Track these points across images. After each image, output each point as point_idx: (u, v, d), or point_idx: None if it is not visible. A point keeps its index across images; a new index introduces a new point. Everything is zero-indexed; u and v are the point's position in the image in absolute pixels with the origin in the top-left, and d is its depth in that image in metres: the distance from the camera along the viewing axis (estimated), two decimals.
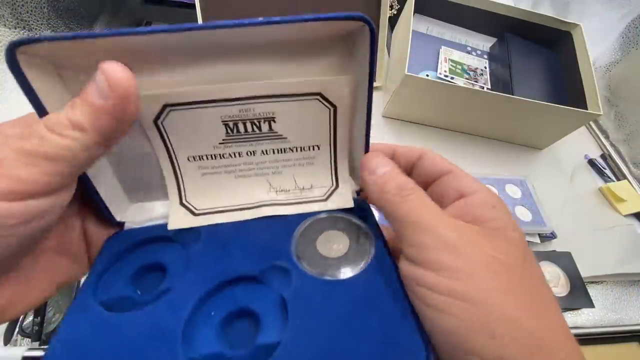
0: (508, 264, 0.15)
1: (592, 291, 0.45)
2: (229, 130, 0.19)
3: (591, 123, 0.67)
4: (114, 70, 0.13)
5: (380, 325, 0.15)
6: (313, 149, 0.20)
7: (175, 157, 0.19)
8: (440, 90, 0.51)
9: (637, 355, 0.44)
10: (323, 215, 0.20)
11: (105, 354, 0.15)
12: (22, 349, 0.33)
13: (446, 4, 0.62)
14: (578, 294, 0.44)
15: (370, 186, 0.18)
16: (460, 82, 0.60)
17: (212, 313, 0.16)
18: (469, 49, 0.66)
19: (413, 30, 0.54)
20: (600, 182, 0.59)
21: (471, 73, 0.62)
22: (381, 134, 0.57)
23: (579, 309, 0.44)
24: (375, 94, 0.63)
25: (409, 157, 0.21)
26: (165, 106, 0.17)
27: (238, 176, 0.20)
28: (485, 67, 0.64)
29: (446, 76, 0.61)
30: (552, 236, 0.48)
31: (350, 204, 0.21)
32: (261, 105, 0.18)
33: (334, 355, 0.14)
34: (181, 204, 0.20)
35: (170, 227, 0.19)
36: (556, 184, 0.57)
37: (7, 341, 0.34)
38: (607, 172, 0.60)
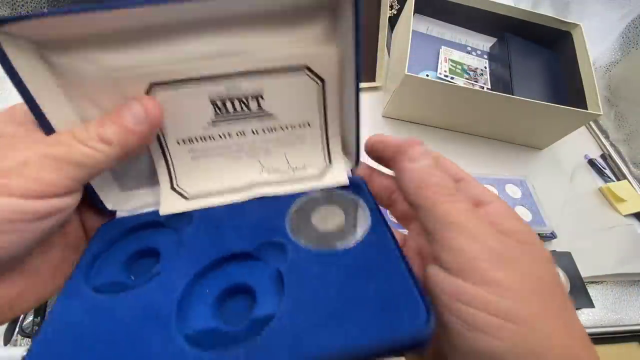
0: (549, 283, 0.14)
1: (592, 291, 0.45)
2: (218, 110, 0.18)
3: (591, 123, 0.67)
4: (153, 104, 0.16)
5: (379, 292, 0.15)
6: (303, 127, 0.20)
7: (165, 141, 0.19)
8: (440, 90, 0.51)
9: (637, 355, 0.44)
10: (318, 192, 0.20)
11: (98, 336, 0.14)
12: (22, 349, 0.33)
13: (446, 4, 0.62)
14: (578, 294, 0.44)
15: (407, 175, 0.17)
16: (460, 82, 0.60)
17: (207, 290, 0.16)
18: (469, 49, 0.66)
19: (413, 30, 0.54)
20: (600, 182, 0.59)
21: (471, 73, 0.62)
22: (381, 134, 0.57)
23: (579, 309, 0.44)
24: (375, 94, 0.64)
25: None
26: (152, 85, 0.17)
27: (229, 158, 0.20)
28: (485, 67, 0.64)
29: (446, 76, 0.61)
30: (552, 236, 0.48)
31: (345, 181, 0.20)
32: (248, 82, 0.18)
33: (331, 324, 0.14)
34: (172, 189, 0.20)
35: (162, 212, 0.19)
36: (556, 184, 0.57)
37: (7, 341, 0.34)
38: (607, 172, 0.60)
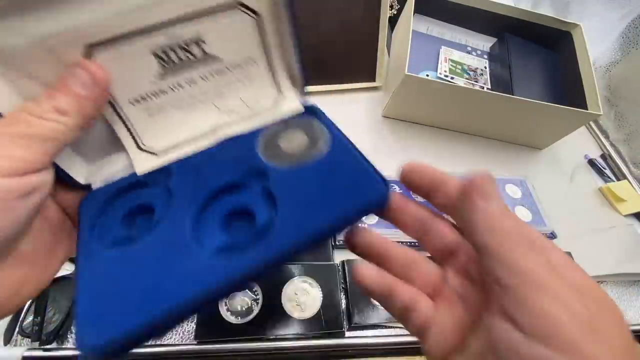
0: (630, 348, 0.13)
1: None
2: (163, 62, 0.18)
3: (591, 123, 0.67)
4: (96, 67, 0.16)
5: (347, 181, 0.19)
6: (249, 64, 0.21)
7: (117, 104, 0.19)
8: (440, 90, 0.51)
9: None
10: (279, 121, 0.22)
11: (130, 277, 0.16)
12: (22, 349, 0.33)
13: (446, 4, 0.62)
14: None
15: (480, 215, 0.16)
16: (460, 82, 0.61)
17: (210, 221, 0.18)
18: (469, 49, 0.66)
19: (413, 30, 0.54)
20: (600, 182, 0.59)
21: (471, 73, 0.62)
22: (381, 134, 0.57)
23: None
24: (375, 94, 0.64)
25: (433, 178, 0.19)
26: (89, 47, 0.16)
27: (185, 108, 0.20)
28: (485, 67, 0.64)
29: (446, 76, 0.61)
30: (552, 236, 0.48)
31: (299, 108, 0.22)
32: (186, 28, 0.18)
33: (320, 209, 0.17)
34: (139, 149, 0.20)
35: (139, 172, 0.20)
36: (556, 184, 0.57)
37: (7, 341, 0.34)
38: (607, 172, 0.60)
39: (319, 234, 0.17)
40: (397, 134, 0.58)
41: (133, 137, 0.20)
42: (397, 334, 0.39)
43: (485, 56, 0.66)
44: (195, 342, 0.35)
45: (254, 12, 0.19)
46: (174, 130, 0.21)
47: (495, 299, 0.15)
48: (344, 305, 0.39)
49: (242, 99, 0.22)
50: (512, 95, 0.54)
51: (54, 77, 0.16)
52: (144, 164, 0.20)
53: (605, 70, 0.66)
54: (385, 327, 0.39)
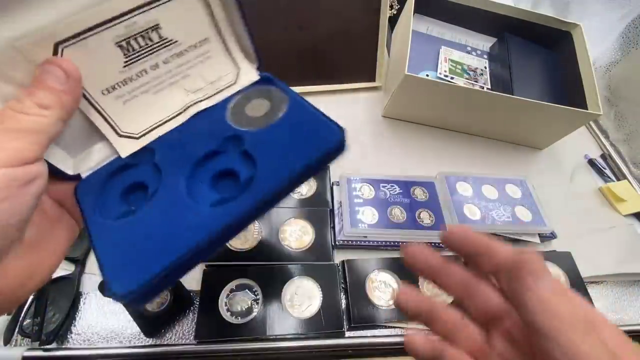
0: None
1: (592, 291, 0.45)
2: (126, 51, 0.20)
3: (591, 123, 0.67)
4: (67, 63, 0.17)
5: (309, 132, 0.22)
6: (204, 43, 0.23)
7: (90, 96, 0.20)
8: (440, 90, 0.51)
9: None
10: (241, 91, 0.24)
11: (146, 237, 0.18)
12: (22, 349, 0.33)
13: (446, 4, 0.62)
14: (578, 294, 0.44)
15: (533, 296, 0.16)
16: (460, 82, 0.61)
17: (200, 183, 0.21)
18: (469, 49, 0.66)
19: (413, 30, 0.54)
20: (600, 182, 0.59)
21: (471, 73, 0.62)
22: (381, 134, 0.57)
23: None
24: (375, 94, 0.64)
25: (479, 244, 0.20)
26: (56, 45, 0.17)
27: (154, 92, 0.22)
28: (485, 67, 0.64)
29: (446, 76, 0.61)
30: (552, 236, 0.48)
31: (256, 77, 0.25)
32: (142, 16, 0.19)
33: (292, 157, 0.20)
34: (119, 136, 0.21)
35: (123, 155, 0.22)
36: (556, 184, 0.57)
37: (7, 341, 0.34)
38: (607, 172, 0.60)
39: (293, 178, 0.20)
40: (397, 133, 0.58)
41: (111, 125, 0.21)
42: (397, 334, 0.39)
43: (485, 56, 0.66)
44: (195, 342, 0.35)
45: None
46: (147, 114, 0.22)
47: None
48: (344, 305, 0.39)
49: (204, 76, 0.23)
50: (512, 95, 0.54)
51: (26, 76, 0.17)
52: (126, 148, 0.22)
53: (605, 70, 0.66)
54: (385, 327, 0.39)
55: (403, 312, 0.22)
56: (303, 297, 0.38)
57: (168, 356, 0.35)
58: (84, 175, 0.21)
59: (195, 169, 0.21)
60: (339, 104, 0.59)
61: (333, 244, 0.42)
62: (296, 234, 0.42)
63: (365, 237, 0.43)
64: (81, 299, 0.37)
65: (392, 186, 0.47)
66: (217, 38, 0.23)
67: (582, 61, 0.58)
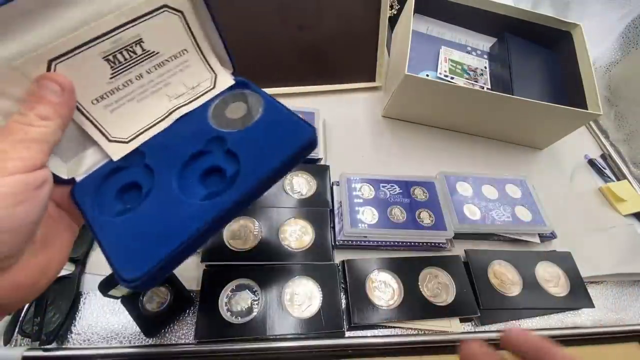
0: None
1: (592, 291, 0.45)
2: (112, 64, 0.22)
3: (591, 123, 0.67)
4: (62, 78, 0.19)
5: (284, 131, 0.24)
6: (183, 53, 0.25)
7: (81, 106, 0.22)
8: (440, 90, 0.51)
9: (637, 355, 0.44)
10: (219, 96, 0.26)
11: (147, 230, 0.20)
12: (22, 349, 0.33)
13: (446, 4, 0.62)
14: (578, 294, 0.44)
15: None
16: (460, 82, 0.61)
17: (190, 181, 0.23)
18: (469, 49, 0.66)
19: (413, 30, 0.54)
20: (600, 182, 0.59)
21: (471, 73, 0.62)
22: (381, 134, 0.57)
23: (579, 309, 0.44)
24: (375, 94, 0.64)
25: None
26: (50, 62, 0.19)
27: (139, 100, 0.24)
28: (485, 67, 0.64)
29: (446, 76, 0.61)
30: (552, 236, 0.48)
31: (232, 81, 0.27)
32: (126, 32, 0.21)
33: (270, 153, 0.23)
34: (110, 141, 0.23)
35: (115, 159, 0.23)
36: (556, 184, 0.57)
37: (7, 341, 0.34)
38: (607, 172, 0.60)
39: (274, 172, 0.23)
40: (397, 133, 0.58)
41: (101, 132, 0.23)
42: (397, 334, 0.39)
43: (485, 56, 0.66)
44: (195, 342, 0.35)
45: (177, 10, 0.23)
46: (135, 120, 0.24)
47: None
48: (343, 305, 0.39)
49: (184, 83, 0.25)
50: (512, 95, 0.54)
51: (22, 92, 0.19)
52: (117, 152, 0.23)
53: (605, 70, 0.66)
54: (385, 327, 0.39)
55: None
56: (303, 297, 0.38)
57: (168, 356, 0.35)
58: (78, 179, 0.23)
59: (185, 168, 0.23)
60: (339, 104, 0.59)
61: (333, 244, 0.42)
62: (296, 234, 0.42)
63: (365, 237, 0.43)
64: (81, 299, 0.37)
65: (392, 186, 0.47)
66: (194, 48, 0.25)
67: (582, 61, 0.58)
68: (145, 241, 0.20)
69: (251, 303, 0.37)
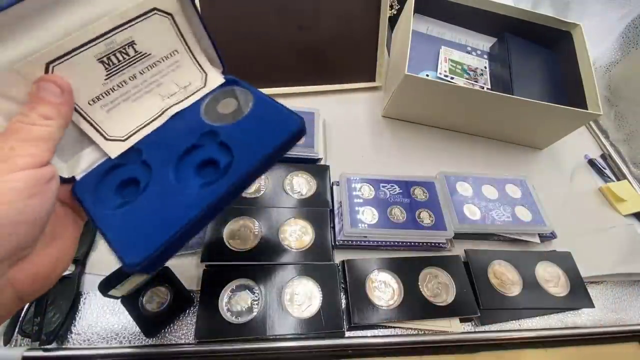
0: None
1: (592, 291, 0.45)
2: (106, 65, 0.23)
3: (591, 123, 0.67)
4: (60, 79, 0.20)
5: (273, 122, 0.25)
6: (174, 54, 0.26)
7: (78, 106, 0.22)
8: (440, 90, 0.51)
9: (637, 355, 0.44)
10: (211, 93, 0.27)
11: (148, 218, 0.22)
12: (22, 349, 0.33)
13: (446, 4, 0.62)
14: (578, 294, 0.44)
15: None
16: (460, 82, 0.61)
17: (186, 172, 0.24)
18: (469, 49, 0.66)
19: (413, 30, 0.54)
20: (600, 182, 0.59)
21: (471, 73, 0.62)
22: (381, 134, 0.57)
23: (579, 309, 0.44)
24: (375, 94, 0.64)
25: None
26: (48, 64, 0.20)
27: (134, 100, 0.25)
28: (485, 67, 0.64)
29: (446, 76, 0.61)
30: (552, 236, 0.48)
31: (222, 80, 0.28)
32: (119, 35, 0.22)
33: (263, 141, 0.24)
34: (107, 139, 0.24)
35: (113, 156, 0.24)
36: (556, 184, 0.57)
37: (7, 341, 0.34)
38: (607, 172, 0.60)
39: (265, 160, 0.24)
40: (397, 133, 0.58)
41: (98, 131, 0.24)
42: (397, 334, 0.39)
43: (485, 56, 0.66)
44: (195, 342, 0.35)
45: (167, 13, 0.24)
46: (130, 119, 0.25)
47: None
48: (343, 305, 0.39)
49: (176, 83, 0.26)
50: (512, 95, 0.54)
51: (23, 94, 0.20)
52: (115, 150, 0.24)
53: (605, 70, 0.66)
54: (385, 327, 0.39)
55: None
56: (303, 297, 0.38)
57: (168, 356, 0.35)
58: (78, 177, 0.23)
59: (180, 161, 0.24)
60: (339, 104, 0.59)
61: (333, 244, 0.42)
62: (296, 234, 0.42)
63: (365, 237, 0.43)
64: (81, 299, 0.37)
65: (392, 186, 0.47)
66: (185, 49, 0.26)
67: (582, 61, 0.58)
68: (146, 228, 0.21)
69: (251, 303, 0.37)
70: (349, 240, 0.43)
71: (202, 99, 0.27)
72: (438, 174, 0.50)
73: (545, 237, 0.48)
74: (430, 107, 0.55)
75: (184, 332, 0.36)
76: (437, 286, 0.41)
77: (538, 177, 0.56)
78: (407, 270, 0.41)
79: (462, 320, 0.41)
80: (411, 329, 0.39)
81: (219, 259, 0.39)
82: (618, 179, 0.59)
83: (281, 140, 0.24)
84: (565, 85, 0.60)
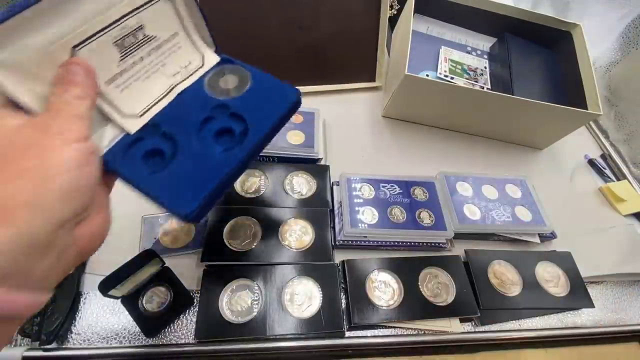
0: None
1: (592, 291, 0.45)
2: (121, 48, 0.25)
3: (591, 123, 0.67)
4: (83, 62, 0.22)
5: (275, 93, 0.29)
6: (174, 36, 0.28)
7: (98, 87, 0.24)
8: (440, 90, 0.51)
9: (637, 355, 0.44)
10: (210, 71, 0.30)
11: (188, 176, 0.25)
12: (22, 349, 0.33)
13: (446, 4, 0.62)
14: (578, 294, 0.44)
15: None
16: (460, 82, 0.61)
17: (207, 140, 0.27)
18: (469, 49, 0.66)
19: (413, 30, 0.54)
20: (600, 182, 0.59)
21: (471, 73, 0.62)
22: (381, 134, 0.57)
23: (579, 309, 0.44)
24: (375, 94, 0.64)
25: None
26: (73, 48, 0.22)
27: (144, 79, 0.27)
28: (485, 67, 0.64)
29: (446, 76, 0.61)
30: (552, 236, 0.48)
31: (217, 58, 0.30)
32: (131, 20, 0.24)
33: (269, 111, 0.28)
34: (124, 117, 0.26)
35: (132, 132, 0.26)
36: (556, 184, 0.57)
37: None
38: (607, 172, 0.60)
39: (275, 126, 0.28)
40: (397, 133, 0.58)
41: (116, 109, 0.25)
42: (397, 334, 0.39)
43: (485, 56, 0.66)
44: (195, 342, 0.35)
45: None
46: (142, 97, 0.27)
47: None
48: (343, 305, 0.39)
49: (178, 63, 0.29)
50: (512, 95, 0.54)
51: (51, 76, 0.21)
52: (133, 125, 0.26)
53: (605, 70, 0.66)
54: (385, 327, 0.39)
55: None
56: (303, 297, 0.38)
57: (168, 356, 0.35)
58: (101, 153, 0.25)
59: (199, 132, 0.27)
60: (339, 104, 0.59)
61: (333, 244, 0.42)
62: (296, 234, 0.42)
63: (365, 237, 0.43)
64: (81, 299, 0.37)
65: (392, 186, 0.47)
66: (183, 32, 0.28)
67: (582, 61, 0.58)
68: (190, 184, 0.24)
69: (251, 303, 0.37)
70: (349, 240, 0.43)
71: (203, 76, 0.30)
72: (438, 174, 0.50)
73: (545, 237, 0.48)
74: (430, 107, 0.55)
75: (184, 332, 0.36)
76: (437, 286, 0.41)
77: (538, 177, 0.56)
78: (407, 270, 0.41)
79: (462, 320, 0.41)
80: (411, 329, 0.39)
81: (219, 259, 0.39)
82: (618, 179, 0.59)
83: (285, 109, 0.28)
84: (565, 85, 0.60)
